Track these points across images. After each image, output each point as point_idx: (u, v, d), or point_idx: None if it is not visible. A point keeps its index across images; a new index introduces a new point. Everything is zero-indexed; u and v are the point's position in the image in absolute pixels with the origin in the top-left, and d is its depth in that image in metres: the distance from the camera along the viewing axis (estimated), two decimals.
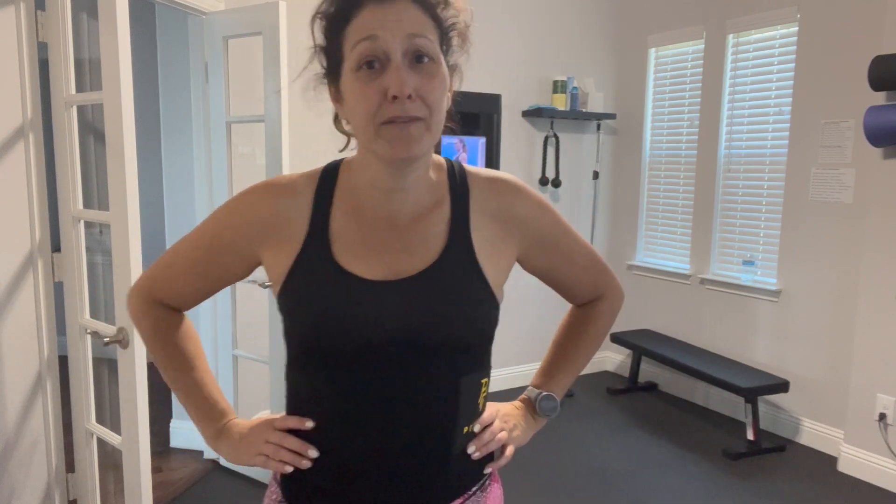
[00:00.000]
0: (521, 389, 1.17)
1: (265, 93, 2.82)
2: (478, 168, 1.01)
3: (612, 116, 4.56)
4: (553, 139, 4.39)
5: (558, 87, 4.32)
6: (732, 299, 4.00)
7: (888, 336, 3.16)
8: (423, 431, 0.93)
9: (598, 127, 4.64)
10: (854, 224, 3.37)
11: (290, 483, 0.99)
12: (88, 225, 2.29)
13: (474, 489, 1.02)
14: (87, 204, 2.30)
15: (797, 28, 3.59)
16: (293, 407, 0.99)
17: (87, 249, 2.28)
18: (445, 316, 0.91)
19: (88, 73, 3.20)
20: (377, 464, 0.93)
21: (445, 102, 0.89)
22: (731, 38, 3.96)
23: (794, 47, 3.62)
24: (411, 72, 0.84)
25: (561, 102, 4.30)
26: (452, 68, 0.92)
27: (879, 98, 3.14)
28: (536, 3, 4.26)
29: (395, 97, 0.83)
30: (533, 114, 4.28)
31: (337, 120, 0.98)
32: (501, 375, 3.91)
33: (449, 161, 1.00)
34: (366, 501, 0.95)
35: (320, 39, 0.91)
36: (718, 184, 4.08)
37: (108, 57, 1.87)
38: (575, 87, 4.37)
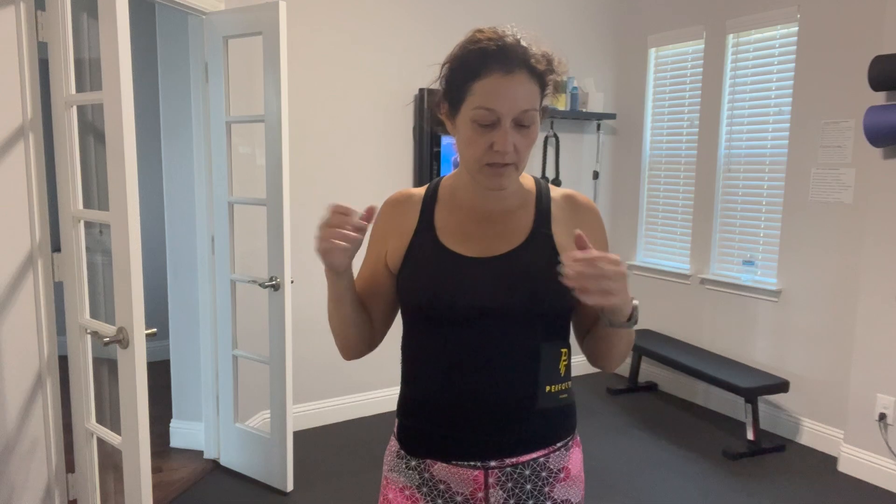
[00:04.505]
0: None
1: (265, 93, 2.82)
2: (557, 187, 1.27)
3: (612, 116, 4.56)
4: (553, 139, 4.39)
5: (558, 86, 4.31)
6: (732, 299, 4.00)
7: (888, 336, 3.16)
8: (511, 384, 1.13)
9: (598, 127, 4.64)
10: (854, 224, 3.37)
11: (405, 433, 1.21)
12: (88, 225, 2.29)
13: (559, 445, 1.19)
14: (87, 204, 2.30)
15: (797, 28, 3.59)
16: (408, 367, 1.22)
17: (87, 249, 2.28)
18: (526, 287, 1.12)
19: (88, 73, 3.20)
20: (474, 410, 1.13)
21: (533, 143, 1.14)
22: (731, 38, 3.96)
23: (794, 47, 3.62)
24: (514, 132, 1.08)
25: (561, 102, 4.30)
26: (544, 110, 1.16)
27: (879, 98, 3.14)
28: (536, 4, 4.25)
29: (497, 151, 1.07)
30: None
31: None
32: None
33: (537, 178, 1.27)
34: (465, 442, 1.15)
35: (447, 72, 1.12)
36: (718, 184, 4.08)
37: (108, 57, 1.87)
38: (575, 87, 4.37)
